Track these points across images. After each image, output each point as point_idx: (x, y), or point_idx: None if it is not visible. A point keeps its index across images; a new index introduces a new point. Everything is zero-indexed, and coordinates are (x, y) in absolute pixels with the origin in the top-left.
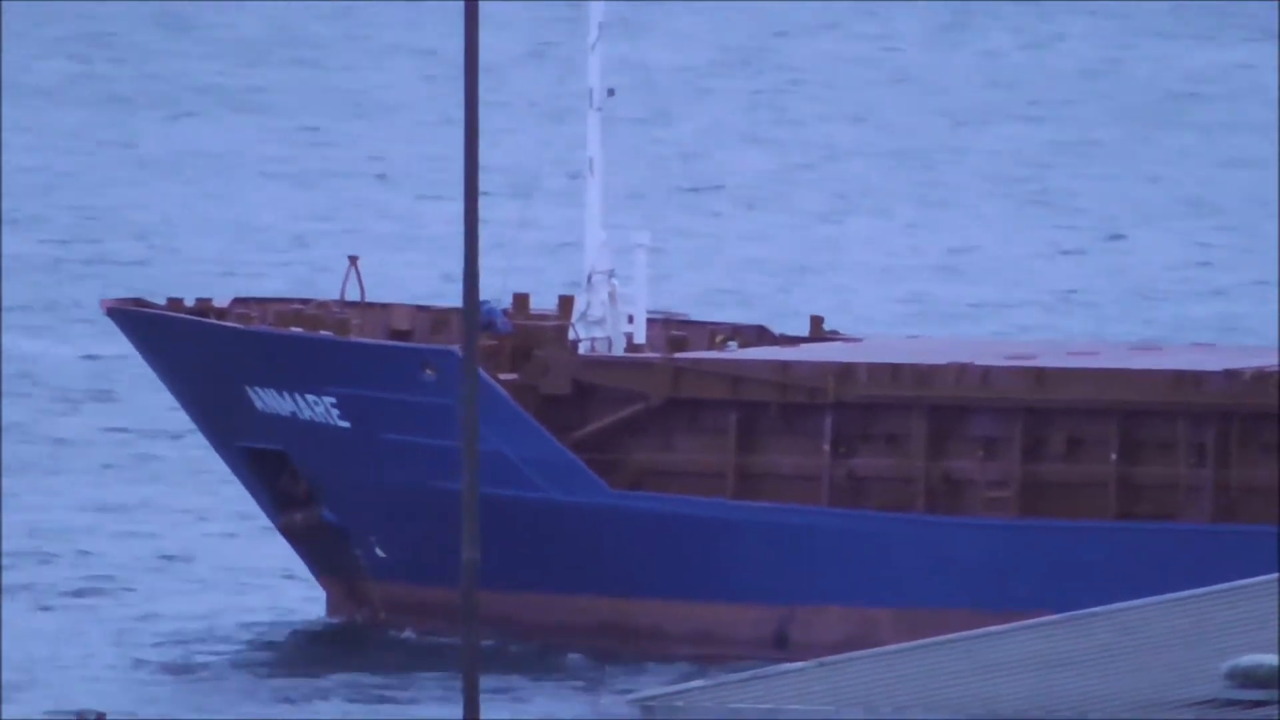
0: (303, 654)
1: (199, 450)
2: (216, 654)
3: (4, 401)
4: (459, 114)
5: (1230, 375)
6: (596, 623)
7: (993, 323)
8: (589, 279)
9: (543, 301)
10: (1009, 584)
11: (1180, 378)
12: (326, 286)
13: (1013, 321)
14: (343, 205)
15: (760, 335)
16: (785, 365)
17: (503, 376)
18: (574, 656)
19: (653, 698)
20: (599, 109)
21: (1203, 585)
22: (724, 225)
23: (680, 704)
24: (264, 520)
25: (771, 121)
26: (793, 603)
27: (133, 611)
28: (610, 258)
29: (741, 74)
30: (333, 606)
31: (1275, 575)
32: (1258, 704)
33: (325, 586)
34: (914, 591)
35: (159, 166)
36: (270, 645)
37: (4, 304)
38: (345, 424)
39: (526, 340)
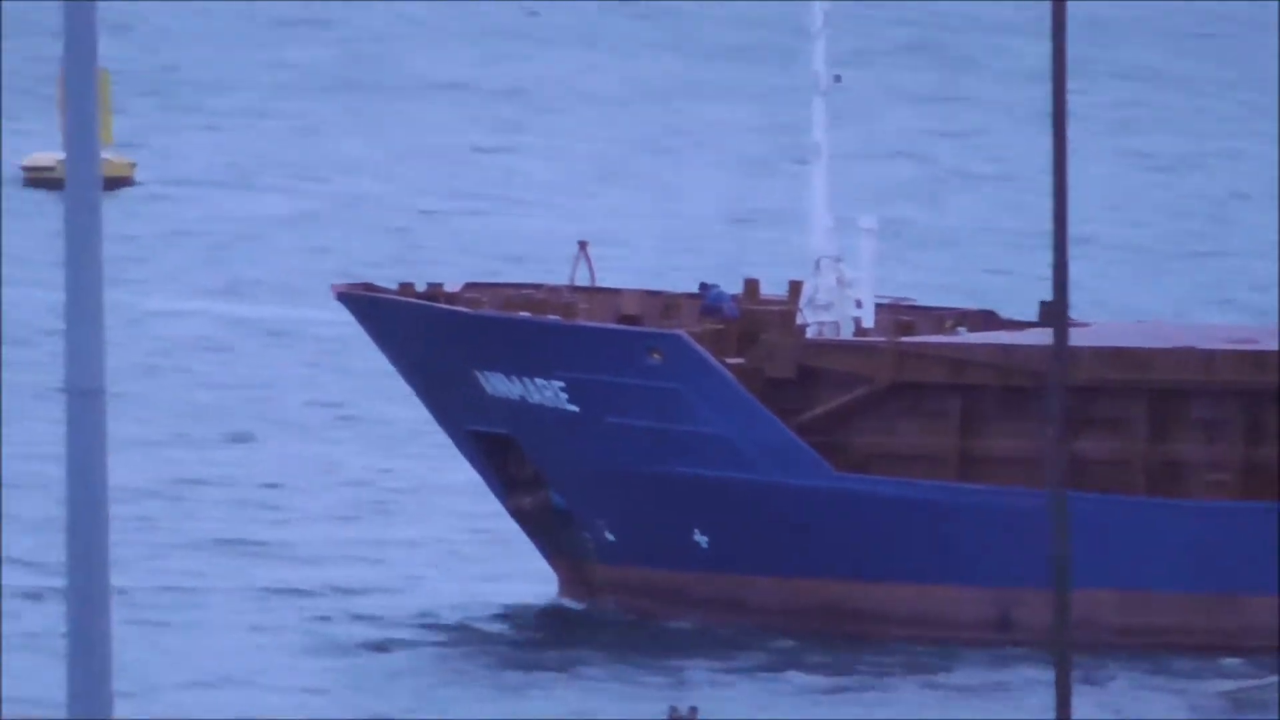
0: (534, 638)
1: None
2: (450, 639)
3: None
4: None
5: None
6: (820, 606)
7: None
8: (816, 264)
9: (775, 287)
10: (1229, 566)
11: None
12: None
13: None
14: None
15: (988, 320)
16: (1007, 349)
17: (729, 360)
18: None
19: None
20: (825, 94)
21: None
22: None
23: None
24: (494, 502)
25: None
26: (1015, 585)
27: (359, 594)
28: (837, 242)
29: None
30: (563, 589)
31: None
32: None
33: (555, 569)
34: (1135, 574)
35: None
36: (503, 629)
37: None
38: (573, 408)
39: (753, 324)
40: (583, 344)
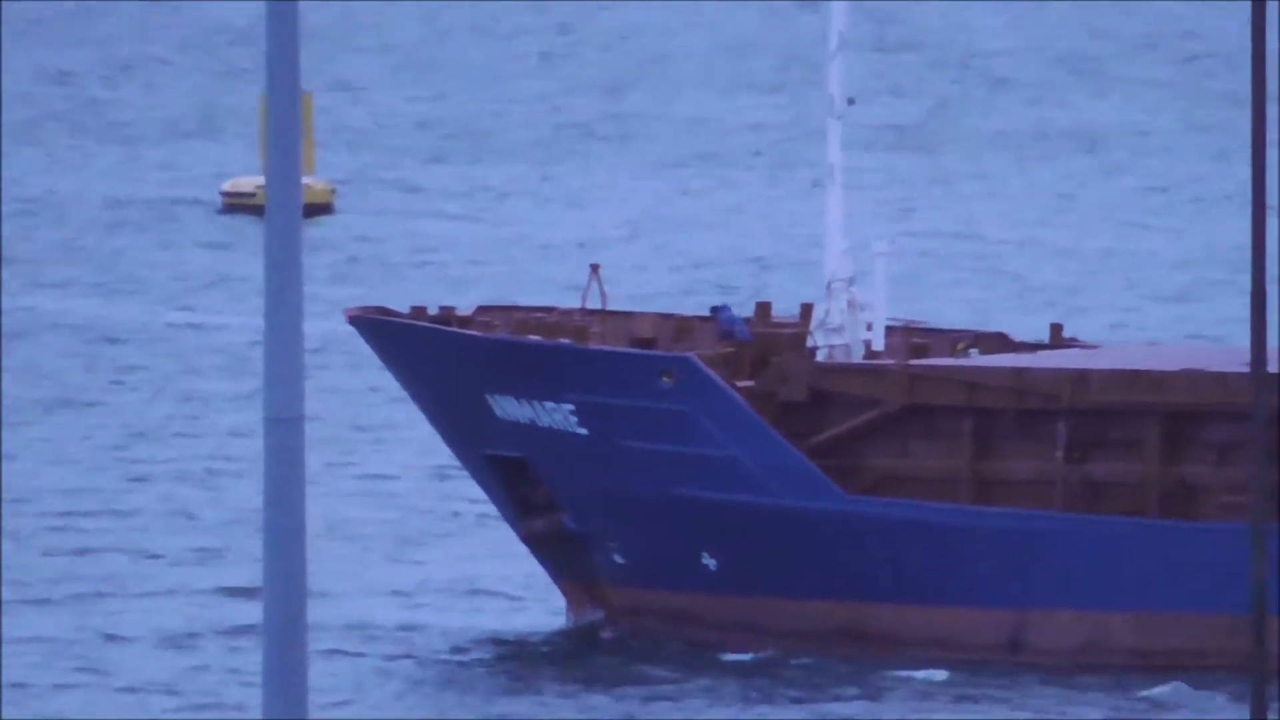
0: (542, 660)
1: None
2: (458, 662)
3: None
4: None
5: None
6: (832, 628)
7: None
8: (828, 287)
9: (786, 310)
10: (1244, 589)
11: None
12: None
13: None
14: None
15: (1001, 342)
16: (1020, 372)
17: (740, 384)
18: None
19: None
20: (839, 118)
21: None
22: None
23: None
24: (502, 526)
25: None
26: (1027, 607)
27: (365, 617)
28: (850, 265)
29: None
30: (572, 612)
31: None
32: None
33: (565, 592)
34: (1148, 596)
35: None
36: (510, 652)
37: None
38: (583, 431)
39: (765, 348)
40: (593, 367)
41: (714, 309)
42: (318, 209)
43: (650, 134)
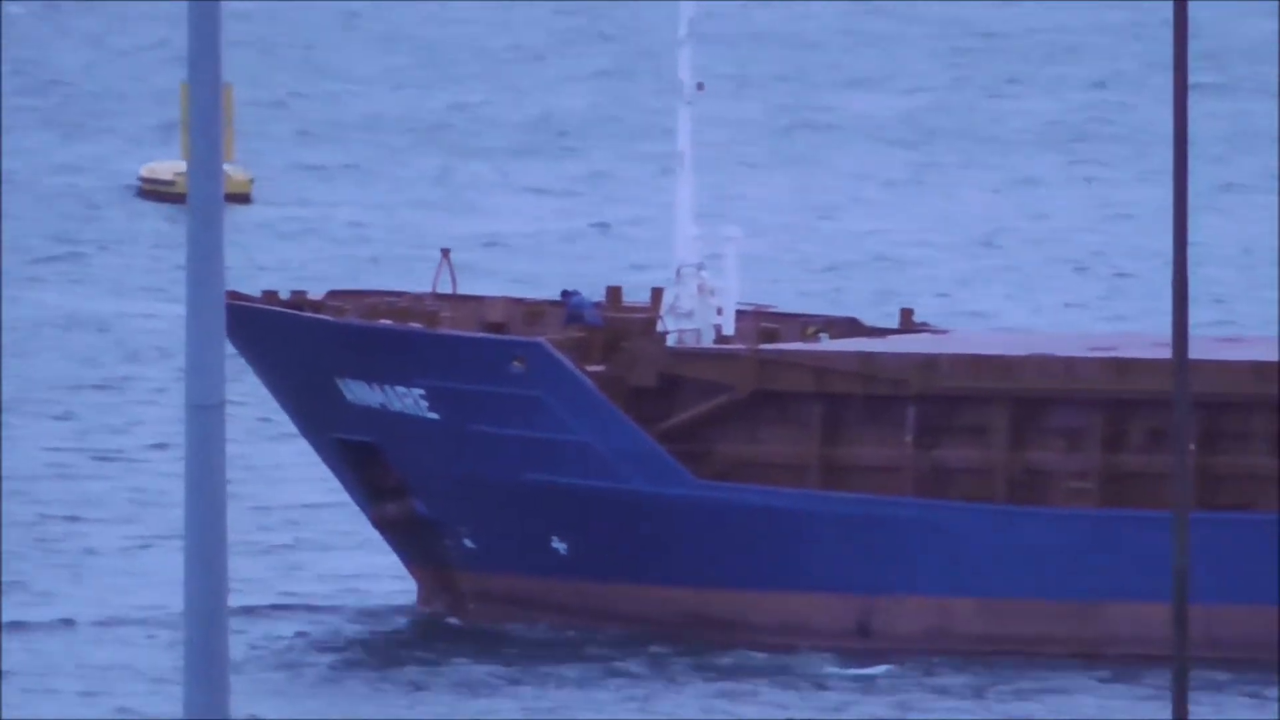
0: (394, 645)
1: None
2: (307, 645)
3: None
4: None
5: None
6: (681, 613)
7: None
8: (678, 272)
9: (638, 295)
10: (1090, 575)
11: (1260, 369)
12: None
13: None
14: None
15: (852, 327)
16: (869, 357)
17: (590, 368)
18: None
19: None
20: (689, 103)
21: None
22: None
23: None
24: (354, 510)
25: None
26: (875, 593)
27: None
28: (700, 251)
29: None
30: (423, 597)
31: None
32: None
33: (416, 577)
34: (995, 582)
35: None
36: (361, 636)
37: None
38: (434, 416)
39: (616, 332)
40: (443, 352)
41: (564, 293)
42: (236, 198)
43: (638, 128)
